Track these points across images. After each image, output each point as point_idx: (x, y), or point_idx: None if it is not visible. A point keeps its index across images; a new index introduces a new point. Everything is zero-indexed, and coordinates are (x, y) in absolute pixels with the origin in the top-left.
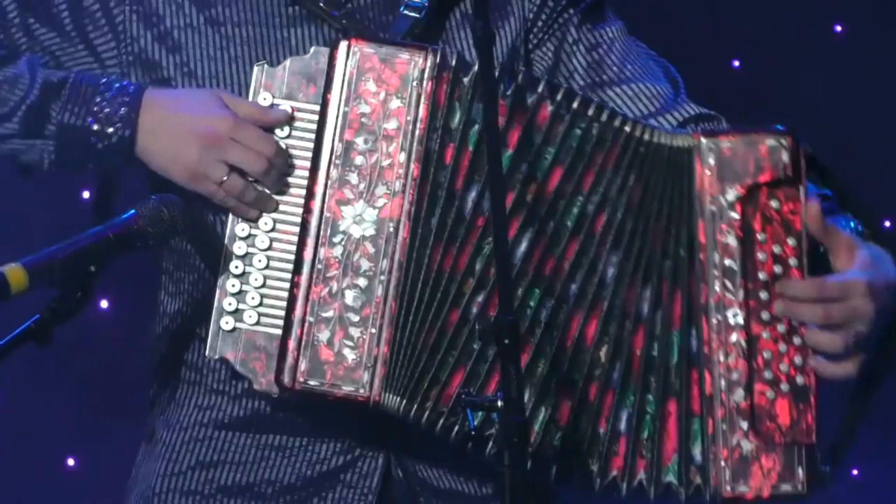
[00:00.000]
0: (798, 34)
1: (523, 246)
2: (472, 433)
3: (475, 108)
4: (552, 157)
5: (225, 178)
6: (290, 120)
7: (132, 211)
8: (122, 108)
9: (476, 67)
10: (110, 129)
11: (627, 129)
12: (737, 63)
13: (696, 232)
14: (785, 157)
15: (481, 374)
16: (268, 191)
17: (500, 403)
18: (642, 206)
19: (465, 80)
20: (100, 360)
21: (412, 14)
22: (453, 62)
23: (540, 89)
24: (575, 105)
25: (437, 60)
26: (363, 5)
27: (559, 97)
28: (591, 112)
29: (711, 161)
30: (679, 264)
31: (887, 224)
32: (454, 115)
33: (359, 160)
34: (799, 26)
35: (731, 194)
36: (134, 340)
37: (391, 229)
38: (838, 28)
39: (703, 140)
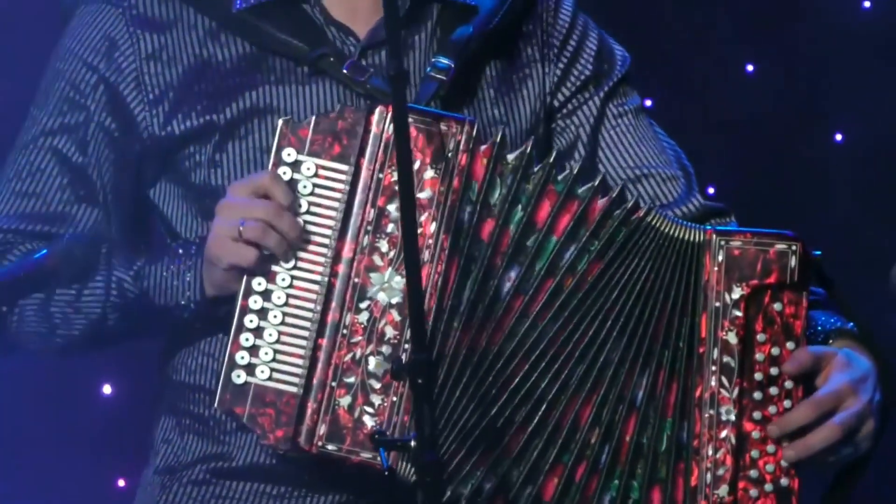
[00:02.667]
0: None
1: (552, 331)
2: (386, 472)
3: (521, 188)
4: (595, 250)
5: (240, 228)
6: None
7: (44, 251)
8: (188, 275)
9: (529, 147)
10: (183, 302)
11: (649, 218)
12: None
13: (698, 326)
14: (793, 262)
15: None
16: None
17: (413, 443)
18: (650, 295)
19: (511, 157)
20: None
21: (438, 76)
22: (497, 138)
23: (596, 183)
24: (628, 205)
25: (474, 133)
26: (378, 63)
27: (615, 194)
28: (641, 212)
29: (720, 258)
30: (678, 355)
31: None
32: (494, 190)
33: (390, 228)
34: None
35: (737, 293)
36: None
37: None
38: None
39: (715, 237)
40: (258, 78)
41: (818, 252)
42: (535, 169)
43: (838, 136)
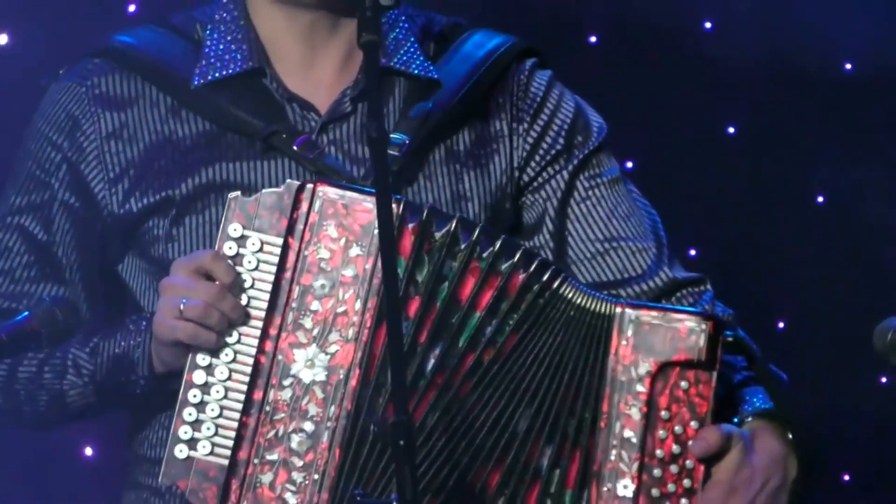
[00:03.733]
0: None
1: (470, 402)
2: None
3: (447, 265)
4: (514, 323)
5: (182, 307)
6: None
7: (25, 313)
8: (137, 351)
9: (453, 225)
10: (133, 378)
11: (562, 289)
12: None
13: (602, 398)
14: (702, 341)
15: None
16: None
17: None
18: (559, 365)
19: (438, 234)
20: None
21: (392, 152)
22: (423, 215)
23: (516, 258)
24: (545, 277)
25: (401, 211)
26: (340, 138)
27: (532, 269)
28: (555, 284)
29: (629, 332)
30: (583, 426)
31: None
32: (422, 268)
33: (314, 305)
34: None
35: (643, 368)
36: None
37: (341, 376)
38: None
39: (626, 310)
40: (216, 154)
41: (730, 333)
42: (462, 246)
43: (820, 199)
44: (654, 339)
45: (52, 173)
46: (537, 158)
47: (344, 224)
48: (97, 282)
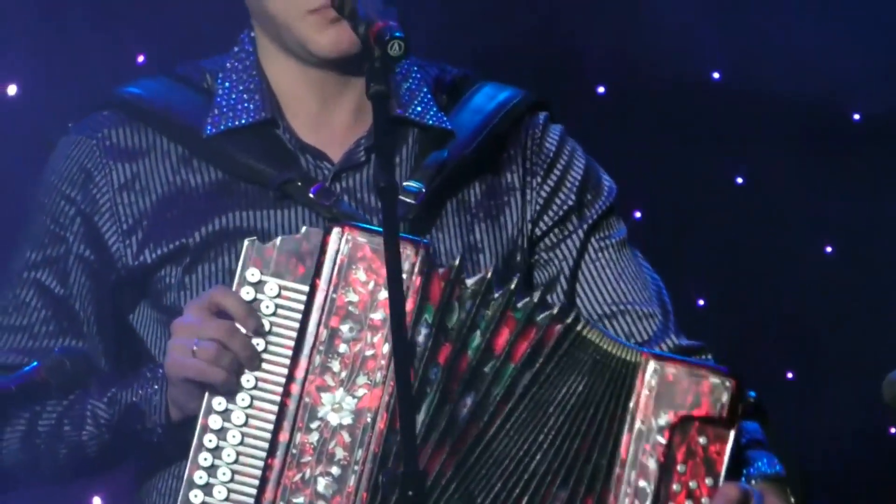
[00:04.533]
0: None
1: (498, 450)
2: None
3: (480, 313)
4: (548, 372)
5: (195, 348)
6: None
7: (35, 363)
8: (155, 399)
9: (489, 273)
10: (150, 426)
11: (589, 334)
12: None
13: (619, 445)
14: (725, 398)
15: None
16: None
17: None
18: (581, 409)
19: (470, 282)
20: None
21: (407, 200)
22: (456, 262)
23: (555, 311)
24: (579, 327)
25: (427, 255)
26: (353, 187)
27: (569, 320)
28: (586, 331)
29: (653, 382)
30: (598, 472)
31: None
32: (452, 314)
33: (342, 348)
34: None
35: (664, 419)
36: None
37: (368, 420)
38: None
39: (652, 360)
40: (229, 202)
41: (753, 393)
42: (496, 295)
43: (829, 248)
44: (677, 392)
45: (67, 227)
46: (550, 213)
47: (373, 268)
48: (114, 333)
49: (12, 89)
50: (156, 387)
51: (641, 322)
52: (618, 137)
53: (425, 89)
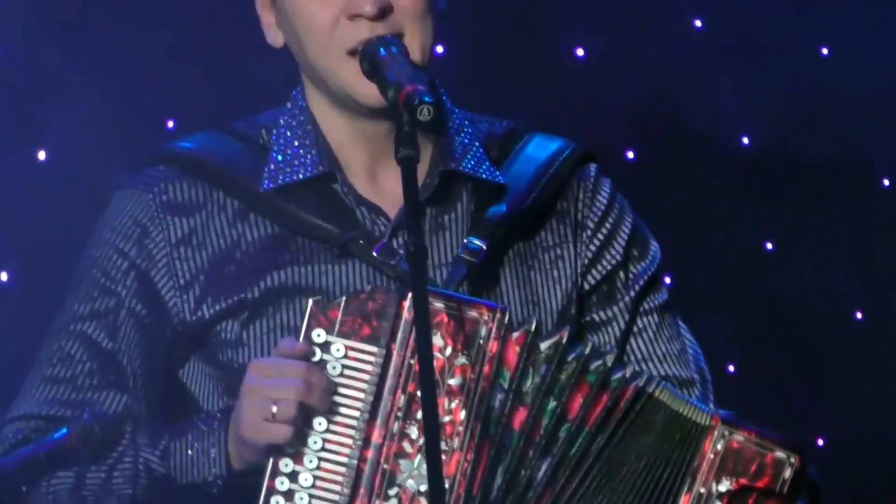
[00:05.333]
0: None
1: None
2: None
3: (555, 378)
4: (620, 435)
5: (273, 409)
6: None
7: (64, 429)
8: (213, 451)
9: (565, 337)
10: (210, 479)
11: (663, 396)
12: None
13: None
14: (787, 473)
15: None
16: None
17: None
18: (647, 465)
19: (544, 346)
20: None
21: (469, 258)
22: (532, 327)
23: (627, 374)
24: (651, 388)
25: (505, 320)
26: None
27: (642, 383)
28: (658, 392)
29: (719, 446)
30: None
31: None
32: (527, 379)
33: (420, 414)
34: None
35: (724, 485)
36: None
37: (447, 486)
38: None
39: (721, 426)
40: (286, 257)
41: (816, 474)
42: (570, 359)
43: (858, 315)
44: (741, 460)
45: (119, 281)
46: (598, 268)
47: (449, 332)
48: (159, 387)
49: (42, 154)
50: (212, 439)
51: (682, 389)
52: (646, 202)
53: (477, 143)
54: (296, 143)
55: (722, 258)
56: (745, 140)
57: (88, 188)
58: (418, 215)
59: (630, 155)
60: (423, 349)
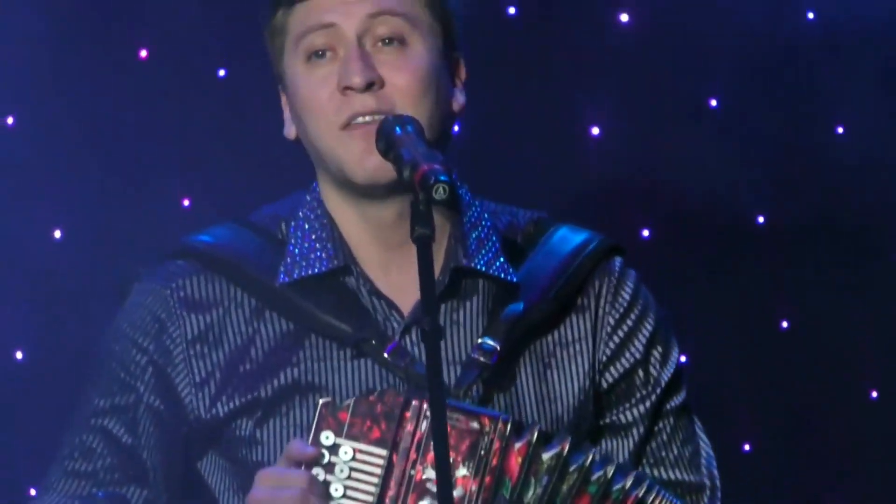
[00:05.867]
0: None
1: None
2: None
3: (557, 488)
4: None
5: (280, 495)
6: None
7: None
8: None
9: (566, 448)
10: None
11: (658, 501)
12: None
13: None
14: None
15: None
16: None
17: None
18: None
19: (546, 457)
20: None
21: (482, 360)
22: (534, 437)
23: (627, 484)
24: (651, 497)
25: (507, 431)
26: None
27: (642, 492)
28: (659, 501)
29: None
30: None
31: None
32: (528, 490)
33: None
34: None
35: None
36: None
37: None
38: None
39: None
40: (300, 355)
41: None
42: (571, 469)
43: (874, 394)
44: None
45: (138, 376)
46: (617, 365)
47: (450, 444)
48: (178, 481)
49: (57, 233)
50: None
51: (691, 495)
52: (662, 279)
53: (494, 238)
54: (312, 237)
55: (735, 336)
56: (761, 219)
57: (103, 267)
58: (434, 295)
59: (645, 233)
60: (439, 439)
